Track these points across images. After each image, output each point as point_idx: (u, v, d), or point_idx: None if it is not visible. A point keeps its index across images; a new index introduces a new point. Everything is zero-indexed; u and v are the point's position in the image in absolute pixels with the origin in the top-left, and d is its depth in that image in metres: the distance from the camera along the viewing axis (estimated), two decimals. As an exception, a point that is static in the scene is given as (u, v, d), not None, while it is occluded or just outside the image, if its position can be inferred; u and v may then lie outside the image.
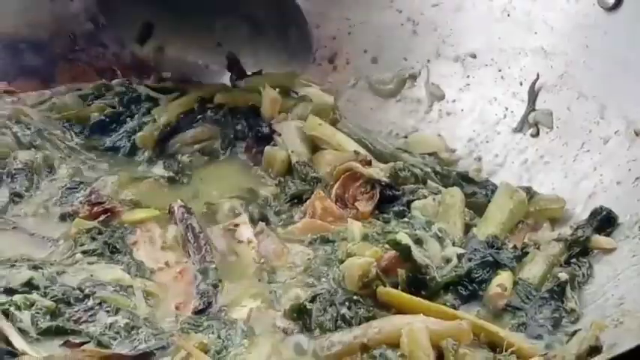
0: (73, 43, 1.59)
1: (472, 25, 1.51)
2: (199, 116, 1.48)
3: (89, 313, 1.10)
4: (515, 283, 1.17)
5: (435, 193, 1.30)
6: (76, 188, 1.35)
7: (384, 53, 1.56)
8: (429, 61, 1.53)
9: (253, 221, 1.27)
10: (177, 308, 1.13)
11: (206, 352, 1.04)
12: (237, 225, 1.25)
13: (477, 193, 1.34)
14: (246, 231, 1.24)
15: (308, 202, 1.29)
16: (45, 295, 1.11)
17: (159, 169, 1.42)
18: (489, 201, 1.31)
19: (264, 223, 1.27)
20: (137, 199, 1.33)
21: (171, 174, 1.40)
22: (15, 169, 1.37)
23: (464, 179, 1.37)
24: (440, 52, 1.53)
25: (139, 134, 1.44)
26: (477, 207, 1.31)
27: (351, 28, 1.59)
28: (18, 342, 1.04)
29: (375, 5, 1.57)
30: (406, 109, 1.53)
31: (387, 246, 1.17)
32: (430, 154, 1.43)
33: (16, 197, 1.33)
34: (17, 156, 1.38)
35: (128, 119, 1.49)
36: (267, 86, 1.47)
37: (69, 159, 1.42)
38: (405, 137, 1.49)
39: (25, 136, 1.42)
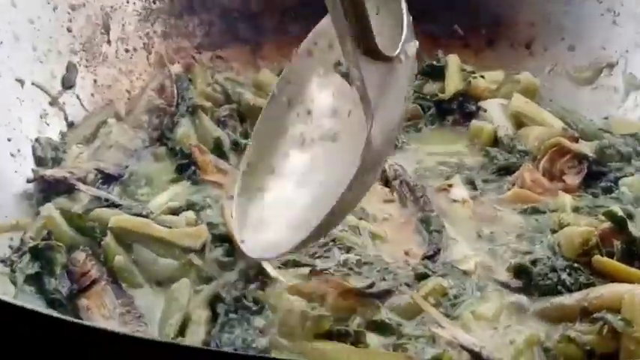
0: (283, 15, 1.67)
1: (675, 17, 1.51)
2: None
3: (324, 249, 1.16)
4: None
5: (643, 172, 1.32)
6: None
7: (582, 42, 1.59)
8: (627, 51, 1.55)
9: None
10: (406, 254, 1.18)
11: (444, 295, 1.10)
12: (450, 185, 1.30)
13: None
14: (460, 191, 1.30)
15: (517, 173, 1.33)
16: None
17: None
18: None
19: (478, 190, 1.32)
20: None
21: None
22: (223, 116, 1.46)
23: (665, 162, 1.38)
24: (639, 42, 1.54)
25: None
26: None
27: (550, 16, 1.62)
28: (269, 268, 1.11)
29: (576, -5, 1.61)
30: (601, 97, 1.55)
31: (601, 217, 1.21)
32: (631, 136, 1.44)
33: (235, 145, 1.42)
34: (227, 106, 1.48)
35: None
36: (453, 65, 1.54)
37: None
38: (606, 118, 1.51)
39: (235, 93, 1.51)
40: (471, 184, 1.33)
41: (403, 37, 1.02)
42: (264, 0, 1.66)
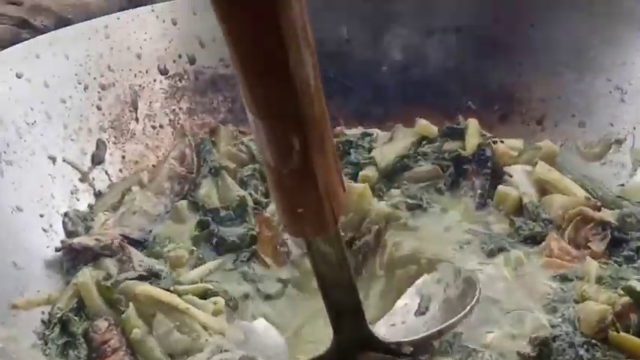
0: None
1: (680, 97, 1.57)
2: (419, 156, 1.58)
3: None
4: None
5: (661, 241, 1.36)
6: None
7: (591, 118, 1.64)
8: (634, 128, 1.59)
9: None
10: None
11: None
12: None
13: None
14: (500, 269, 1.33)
15: (544, 243, 1.38)
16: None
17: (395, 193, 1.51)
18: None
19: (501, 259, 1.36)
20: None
21: (408, 200, 1.49)
22: (246, 177, 1.52)
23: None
24: (646, 120, 1.59)
25: (361, 173, 1.55)
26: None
27: (560, 93, 1.67)
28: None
29: (585, 73, 1.65)
30: (610, 172, 1.59)
31: (620, 292, 1.25)
32: None
33: (256, 204, 1.46)
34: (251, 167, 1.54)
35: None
36: (473, 127, 1.60)
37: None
38: (622, 185, 1.56)
39: (260, 155, 1.53)
40: (500, 250, 1.37)
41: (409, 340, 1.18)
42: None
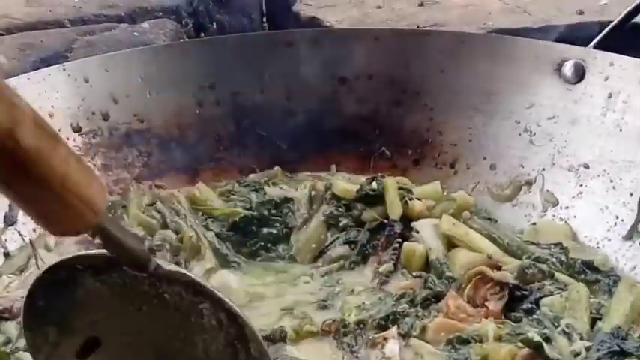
0: (218, 144, 1.75)
1: (586, 138, 1.60)
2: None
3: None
4: (641, 371, 1.23)
5: (562, 289, 1.38)
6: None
7: (502, 160, 1.68)
8: (544, 169, 1.63)
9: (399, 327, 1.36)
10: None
11: None
12: (386, 339, 1.33)
13: (600, 281, 1.43)
14: (393, 346, 1.32)
15: (442, 301, 1.39)
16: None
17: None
18: (610, 289, 1.41)
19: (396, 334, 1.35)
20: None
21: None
22: (156, 246, 1.49)
23: (589, 267, 1.45)
24: (555, 161, 1.63)
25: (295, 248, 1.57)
26: (600, 293, 1.41)
27: (471, 137, 1.72)
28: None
29: (495, 116, 1.70)
30: (521, 214, 1.63)
31: (519, 344, 1.27)
32: (556, 245, 1.50)
33: None
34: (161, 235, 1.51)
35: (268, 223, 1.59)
36: (392, 190, 1.57)
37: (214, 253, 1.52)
38: (534, 224, 1.59)
39: (172, 222, 1.54)
40: (395, 323, 1.37)
41: None
42: (200, 130, 1.74)
